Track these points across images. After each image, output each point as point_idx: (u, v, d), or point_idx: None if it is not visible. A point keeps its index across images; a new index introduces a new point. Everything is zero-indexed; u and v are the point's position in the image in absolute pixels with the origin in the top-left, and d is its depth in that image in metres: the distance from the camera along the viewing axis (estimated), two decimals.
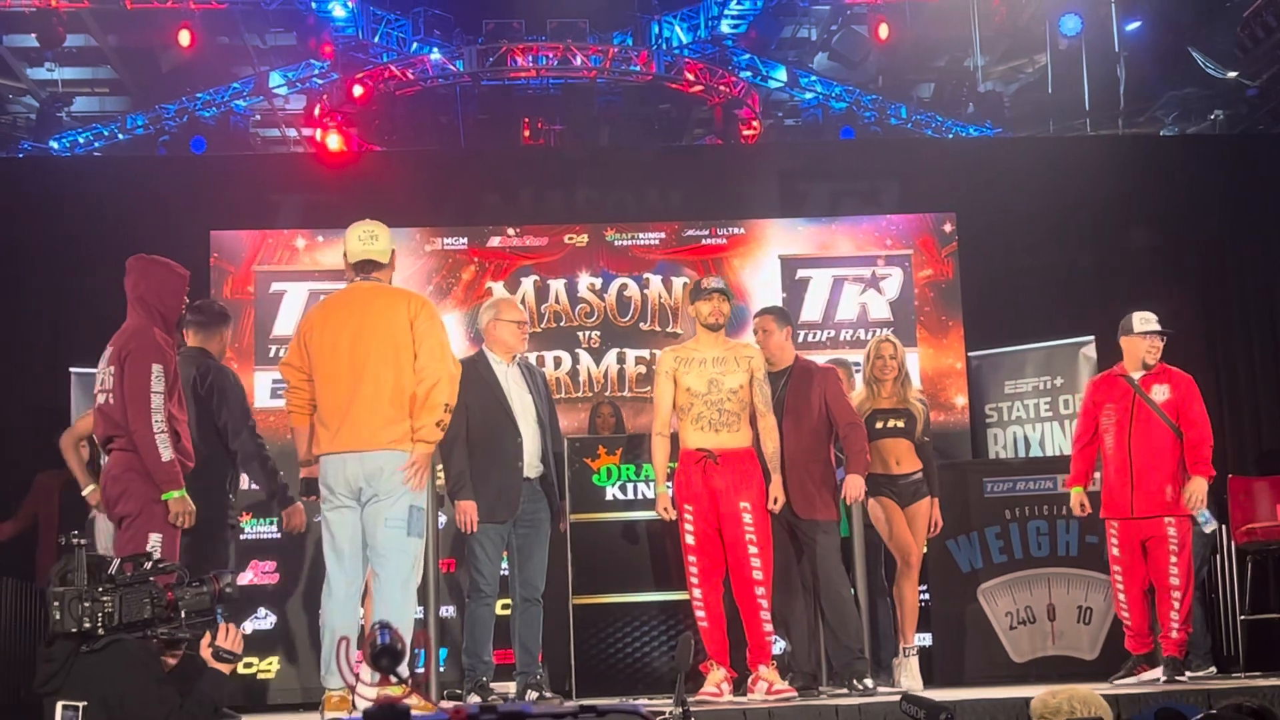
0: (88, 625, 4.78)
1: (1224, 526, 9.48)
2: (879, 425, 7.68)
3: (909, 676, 7.56)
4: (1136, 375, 7.65)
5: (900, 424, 7.72)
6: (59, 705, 4.66)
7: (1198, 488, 7.42)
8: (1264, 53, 12.24)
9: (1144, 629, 7.51)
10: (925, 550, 7.96)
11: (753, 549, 6.90)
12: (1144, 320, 7.69)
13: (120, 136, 14.21)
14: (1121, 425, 7.59)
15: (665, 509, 7.03)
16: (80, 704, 4.65)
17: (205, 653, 5.02)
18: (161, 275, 6.58)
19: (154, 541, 6.18)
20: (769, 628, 6.96)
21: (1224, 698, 5.64)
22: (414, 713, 2.43)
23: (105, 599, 4.81)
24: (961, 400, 10.98)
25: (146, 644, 4.98)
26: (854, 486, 7.25)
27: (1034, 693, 4.46)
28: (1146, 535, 7.46)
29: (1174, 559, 7.39)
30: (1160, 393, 7.58)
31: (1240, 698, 4.06)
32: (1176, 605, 7.37)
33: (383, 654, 2.50)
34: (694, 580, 6.97)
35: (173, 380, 6.36)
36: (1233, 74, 13.03)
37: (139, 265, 6.62)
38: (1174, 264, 11.78)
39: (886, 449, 7.69)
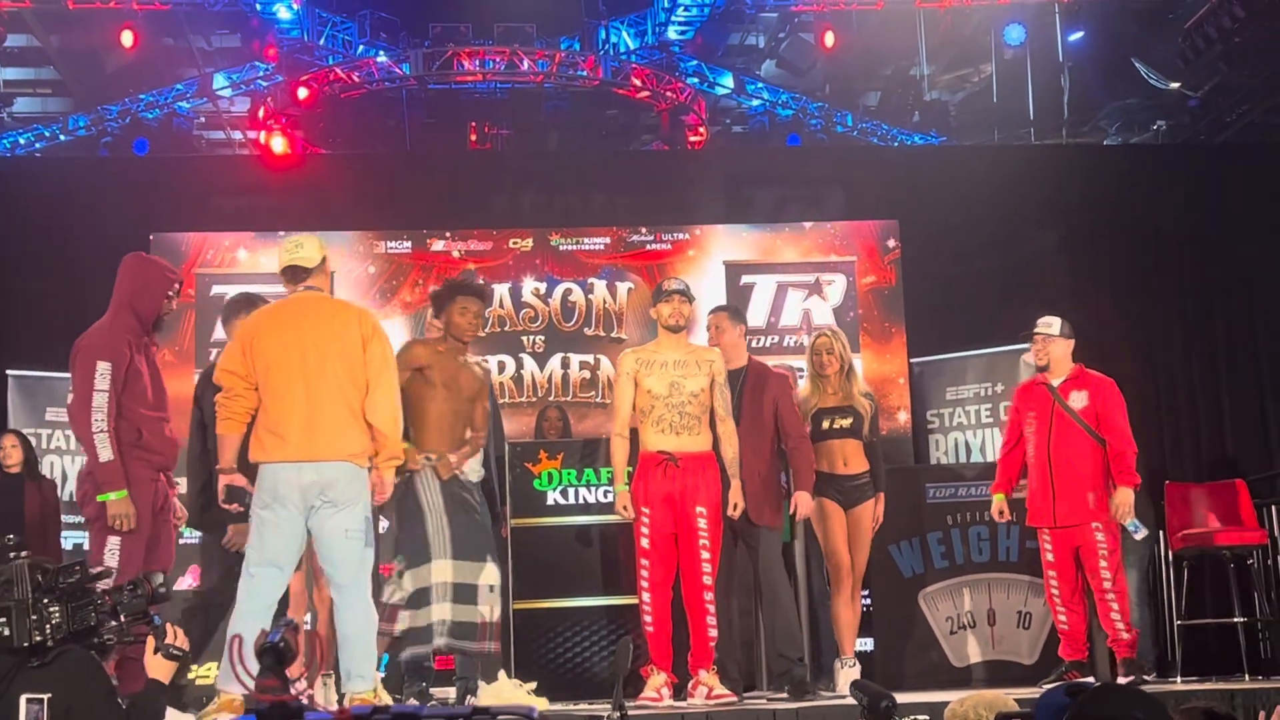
0: (38, 638, 4.69)
1: (1161, 532, 9.56)
2: (825, 425, 7.53)
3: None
4: (1057, 382, 7.61)
5: (846, 423, 7.53)
6: (22, 698, 4.58)
7: (1123, 498, 7.38)
8: (1205, 64, 12.37)
9: (1079, 635, 7.52)
10: (868, 554, 7.73)
11: (705, 554, 6.90)
12: (1038, 325, 7.71)
13: (62, 138, 14.10)
14: (1041, 434, 7.56)
15: (625, 507, 6.99)
16: (45, 696, 4.58)
17: (149, 657, 4.96)
18: (145, 272, 6.46)
19: (112, 545, 6.07)
20: (714, 633, 6.96)
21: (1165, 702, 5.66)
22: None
23: (53, 609, 4.72)
24: (904, 416, 11.01)
25: (92, 654, 4.92)
26: (804, 504, 7.24)
27: None
28: (1076, 543, 7.47)
29: (1104, 564, 7.39)
30: (1078, 399, 7.54)
31: (1200, 700, 4.07)
32: (1115, 608, 7.38)
33: (267, 652, 2.48)
34: (644, 584, 6.95)
35: (132, 377, 6.23)
36: (1175, 85, 13.16)
37: (129, 262, 6.52)
38: (1115, 272, 11.86)
39: (833, 449, 7.53)
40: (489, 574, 6.68)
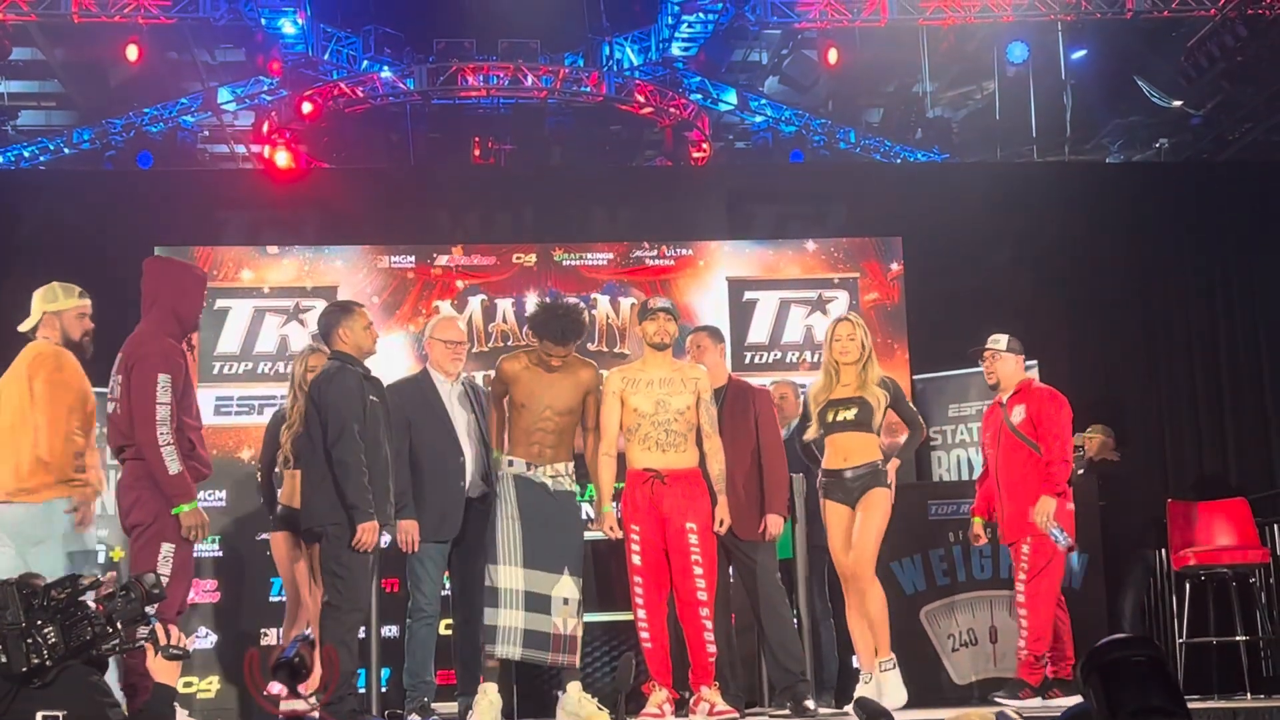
0: (36, 662, 4.67)
1: (1162, 551, 9.56)
2: (830, 417, 7.24)
3: (890, 693, 7.13)
4: (1006, 398, 7.60)
5: (850, 415, 7.17)
6: (39, 715, 4.57)
7: (1042, 506, 7.25)
8: (1207, 82, 12.42)
9: (1060, 650, 7.50)
10: (872, 551, 7.17)
11: (698, 569, 6.88)
12: (987, 342, 7.67)
13: (66, 151, 14.11)
14: (993, 452, 7.57)
15: (611, 528, 6.99)
16: (60, 713, 4.57)
17: (151, 662, 4.95)
18: (180, 275, 6.49)
19: (166, 551, 6.05)
20: (712, 649, 6.93)
21: None
22: None
23: (47, 630, 4.69)
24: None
25: (93, 669, 4.91)
26: (773, 525, 7.21)
27: None
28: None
29: (1021, 577, 7.35)
30: (1018, 413, 7.49)
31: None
32: (1028, 624, 7.33)
33: (280, 667, 2.49)
34: (639, 601, 6.93)
35: (185, 389, 6.25)
36: (1177, 102, 13.21)
37: (155, 266, 6.55)
38: (1117, 289, 11.88)
39: (836, 444, 7.22)
40: (563, 586, 6.70)
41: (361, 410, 6.62)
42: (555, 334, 6.88)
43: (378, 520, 6.58)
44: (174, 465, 6.04)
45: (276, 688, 5.59)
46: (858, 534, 7.14)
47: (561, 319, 6.95)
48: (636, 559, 6.93)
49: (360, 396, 6.63)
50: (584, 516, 7.32)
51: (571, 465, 6.99)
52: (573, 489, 6.97)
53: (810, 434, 7.41)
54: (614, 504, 7.08)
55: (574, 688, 6.71)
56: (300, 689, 2.51)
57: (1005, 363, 7.61)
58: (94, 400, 6.44)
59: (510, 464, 6.87)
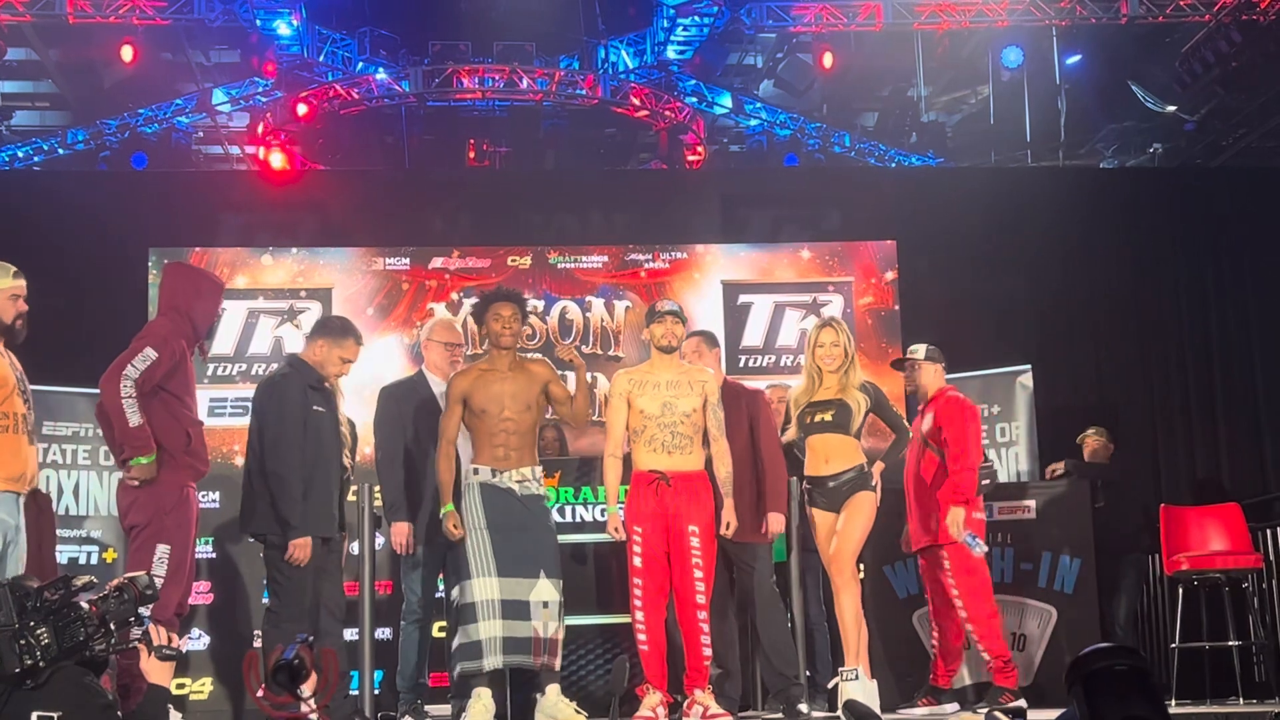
0: (29, 662, 4.66)
1: (1155, 556, 9.57)
2: (808, 420, 7.23)
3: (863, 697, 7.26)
4: (922, 406, 7.63)
5: (827, 416, 7.14)
6: (34, 715, 4.57)
7: (951, 517, 7.24)
8: (1202, 88, 12.43)
9: (939, 658, 7.56)
10: (852, 549, 7.10)
11: (698, 573, 6.87)
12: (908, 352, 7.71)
13: (60, 151, 14.10)
14: (910, 459, 7.59)
15: (616, 529, 6.97)
16: (55, 714, 4.56)
17: (145, 663, 4.95)
18: (195, 281, 6.57)
19: (161, 553, 6.07)
20: (708, 652, 6.93)
21: None
22: None
23: (40, 630, 4.69)
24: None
25: (86, 669, 4.91)
26: (774, 523, 7.22)
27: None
28: (934, 568, 7.46)
29: (955, 591, 7.32)
30: (927, 422, 7.49)
31: None
32: (976, 635, 7.32)
33: (281, 669, 2.49)
34: (638, 603, 6.91)
35: (181, 382, 6.27)
36: (1171, 108, 13.22)
37: (173, 271, 6.65)
38: (1111, 295, 11.90)
39: (814, 446, 7.18)
40: (541, 590, 6.61)
41: (301, 421, 6.59)
42: (496, 294, 6.95)
43: (320, 533, 6.58)
44: (135, 417, 6.09)
45: (274, 689, 5.59)
46: (839, 534, 7.13)
47: (500, 288, 7.12)
48: (638, 561, 6.91)
49: (301, 406, 6.61)
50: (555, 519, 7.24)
51: (539, 470, 6.90)
52: (540, 493, 6.89)
53: (789, 436, 7.48)
54: (619, 506, 7.05)
55: (553, 690, 6.68)
56: (301, 690, 2.51)
57: (924, 371, 7.60)
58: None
59: (476, 472, 6.73)
